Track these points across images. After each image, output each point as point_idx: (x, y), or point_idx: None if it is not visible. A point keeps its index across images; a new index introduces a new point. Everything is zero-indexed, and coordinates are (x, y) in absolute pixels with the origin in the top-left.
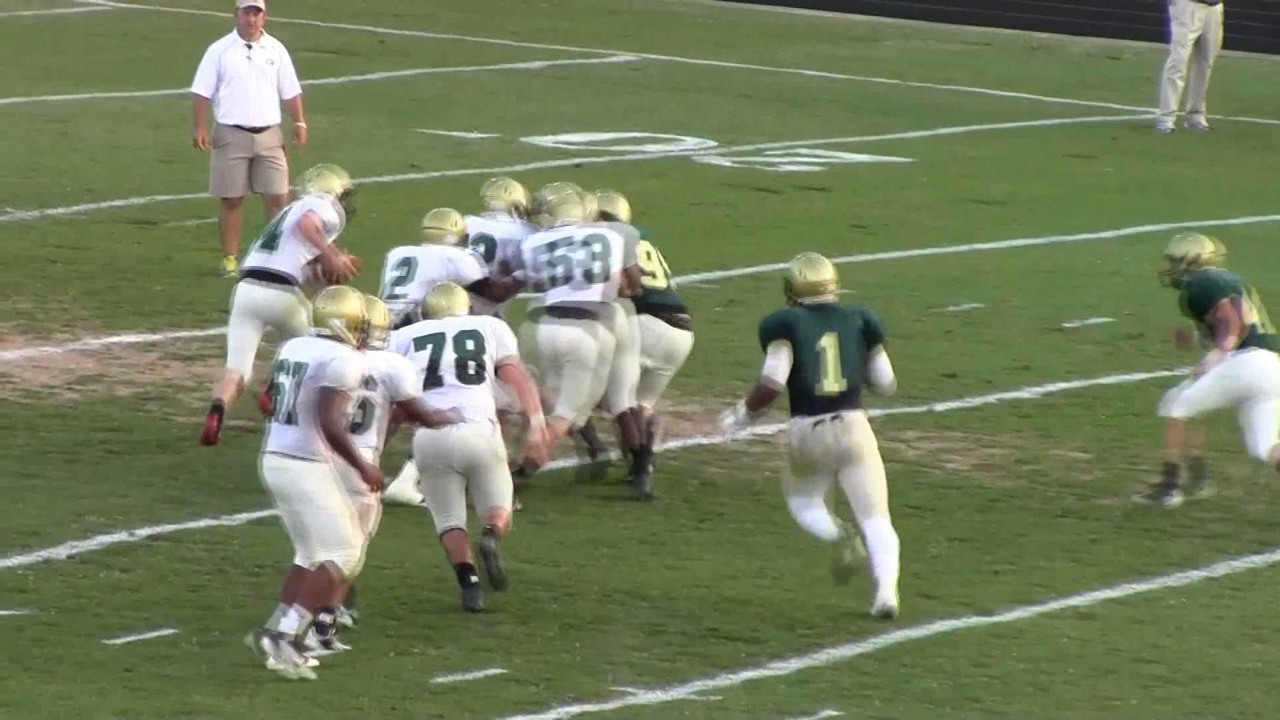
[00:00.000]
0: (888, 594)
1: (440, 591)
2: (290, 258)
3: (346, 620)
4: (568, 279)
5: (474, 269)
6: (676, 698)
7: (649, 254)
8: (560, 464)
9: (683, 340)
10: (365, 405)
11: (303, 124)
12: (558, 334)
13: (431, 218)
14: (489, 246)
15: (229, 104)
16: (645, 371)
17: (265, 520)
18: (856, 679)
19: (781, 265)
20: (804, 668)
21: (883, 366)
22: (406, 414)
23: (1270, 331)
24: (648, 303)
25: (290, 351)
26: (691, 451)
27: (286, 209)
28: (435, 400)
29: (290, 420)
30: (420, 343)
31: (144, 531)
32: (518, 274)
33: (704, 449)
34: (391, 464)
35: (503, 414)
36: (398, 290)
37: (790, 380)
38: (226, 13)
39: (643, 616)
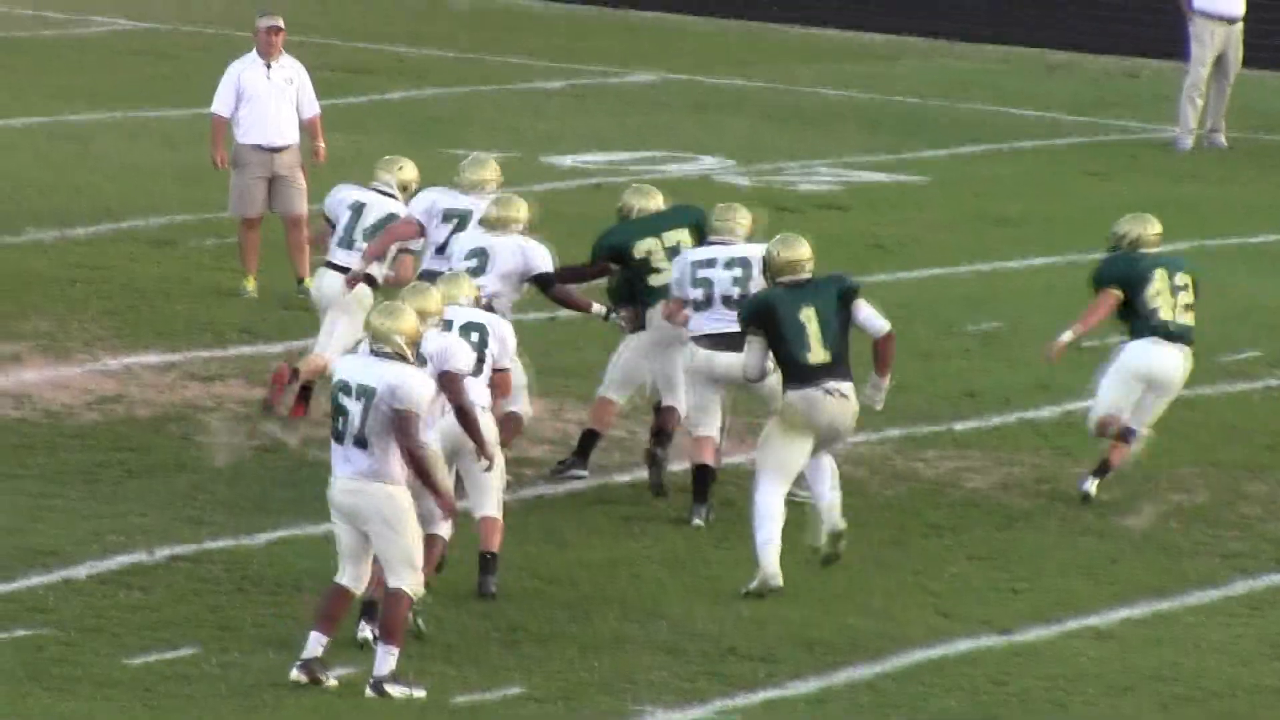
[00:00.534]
0: (834, 517)
1: (460, 611)
2: (385, 264)
3: (368, 635)
4: (708, 302)
5: (544, 260)
6: (695, 717)
7: None
8: (578, 485)
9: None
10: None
11: (321, 143)
12: (716, 360)
13: (499, 205)
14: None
15: (248, 123)
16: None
17: (284, 540)
18: (875, 699)
19: None
20: (823, 687)
21: (869, 315)
22: (444, 388)
23: (1176, 321)
24: None
25: (352, 372)
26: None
27: (366, 204)
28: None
29: (360, 444)
30: None
31: (163, 551)
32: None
33: (723, 470)
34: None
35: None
36: (474, 282)
37: (779, 355)
38: (246, 32)
39: (662, 636)
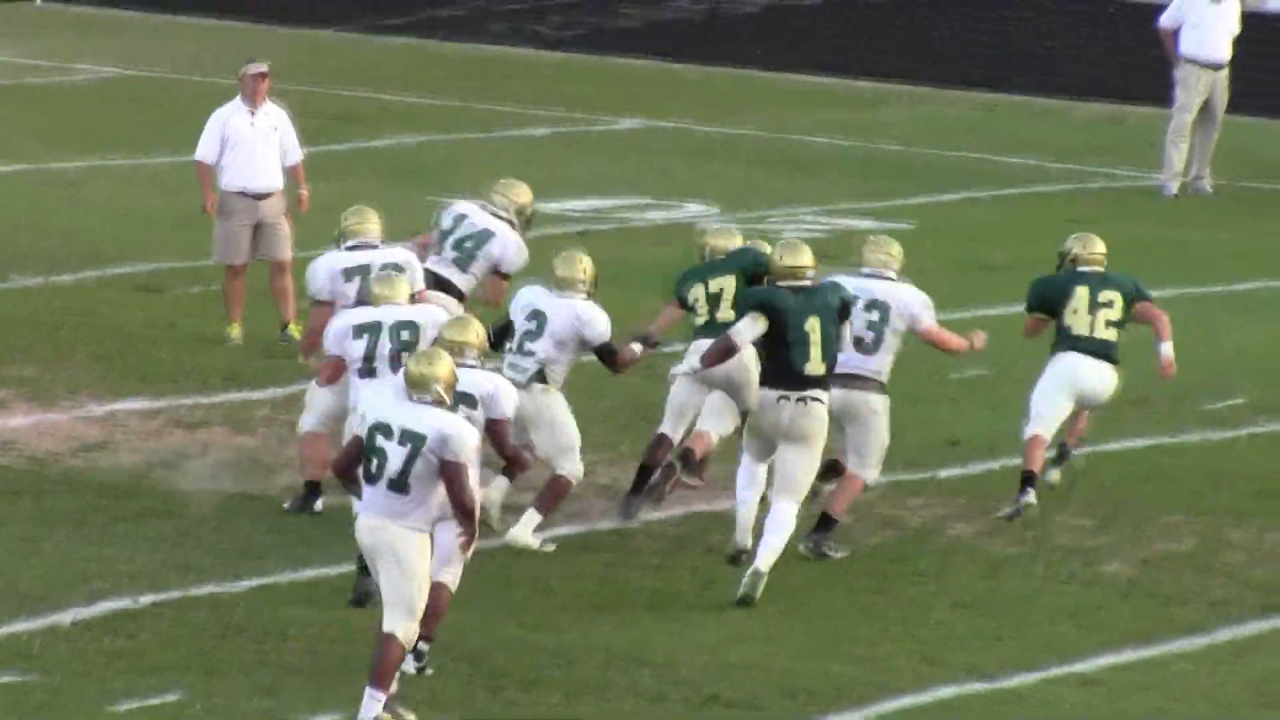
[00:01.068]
0: (756, 570)
1: (445, 657)
2: (473, 279)
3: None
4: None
5: (603, 330)
6: None
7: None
8: (563, 530)
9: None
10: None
11: (304, 190)
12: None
13: (563, 264)
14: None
15: (233, 170)
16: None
17: (269, 586)
18: None
19: None
20: None
21: (843, 334)
22: (490, 433)
23: (1093, 336)
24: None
25: (391, 415)
26: (696, 518)
27: (468, 217)
28: (369, 387)
29: (398, 488)
30: (358, 331)
31: (148, 597)
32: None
33: (708, 515)
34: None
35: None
36: (529, 345)
37: (773, 355)
38: (234, 78)
39: (645, 683)
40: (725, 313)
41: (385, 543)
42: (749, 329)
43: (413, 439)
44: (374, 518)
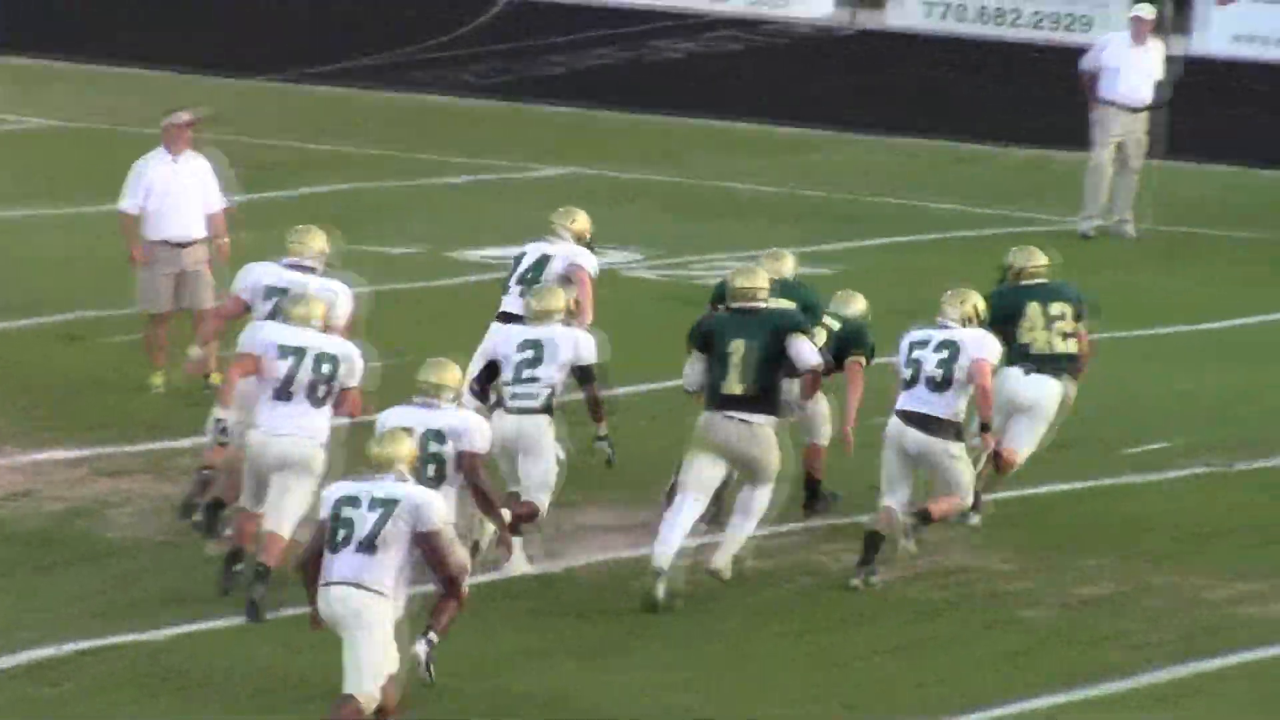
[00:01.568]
0: (720, 556)
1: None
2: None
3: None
4: (914, 382)
5: (594, 354)
6: None
7: None
8: (484, 578)
9: None
10: (440, 460)
11: (224, 239)
12: (906, 434)
13: (540, 298)
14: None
15: (155, 219)
16: None
17: (193, 634)
18: None
19: None
20: None
21: (799, 350)
22: (461, 467)
23: (1050, 350)
24: None
25: (360, 488)
26: (620, 564)
27: (533, 248)
28: (275, 410)
29: (367, 549)
30: (283, 351)
31: (72, 645)
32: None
33: (637, 560)
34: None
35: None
36: (529, 373)
37: (708, 378)
38: (159, 128)
39: None
40: None
41: (352, 610)
42: (695, 368)
43: (384, 504)
44: (340, 586)
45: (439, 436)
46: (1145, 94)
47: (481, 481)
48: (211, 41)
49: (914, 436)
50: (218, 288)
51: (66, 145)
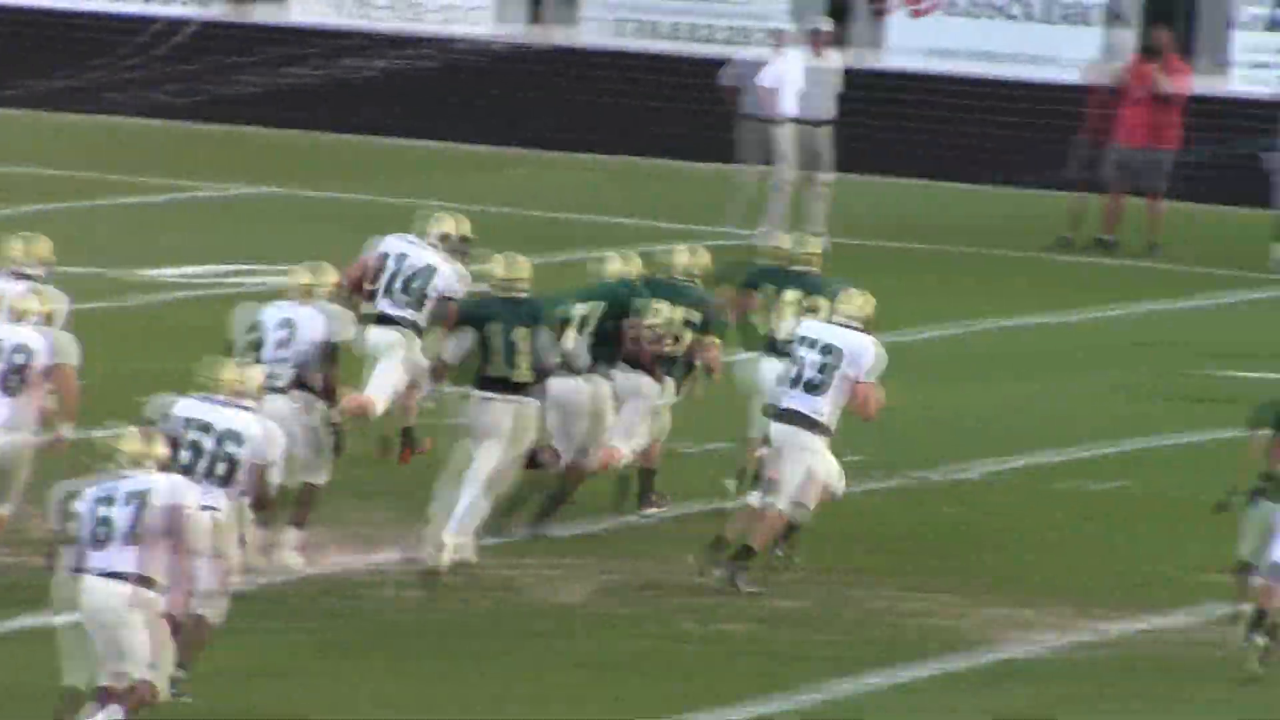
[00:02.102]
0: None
1: None
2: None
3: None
4: (796, 381)
5: (349, 328)
6: None
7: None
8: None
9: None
10: (233, 461)
11: None
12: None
13: (310, 273)
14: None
15: None
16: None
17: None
18: None
19: None
20: None
21: (544, 345)
22: (249, 477)
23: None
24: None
25: (109, 486)
26: (312, 581)
27: (409, 256)
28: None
29: (130, 543)
30: None
31: None
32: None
33: (329, 579)
34: None
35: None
36: (281, 353)
37: (484, 364)
38: None
39: None
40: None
41: (111, 607)
42: (462, 345)
43: (139, 497)
44: (103, 579)
45: (234, 437)
46: (825, 109)
47: (265, 496)
48: None
49: (777, 430)
50: None
51: None
